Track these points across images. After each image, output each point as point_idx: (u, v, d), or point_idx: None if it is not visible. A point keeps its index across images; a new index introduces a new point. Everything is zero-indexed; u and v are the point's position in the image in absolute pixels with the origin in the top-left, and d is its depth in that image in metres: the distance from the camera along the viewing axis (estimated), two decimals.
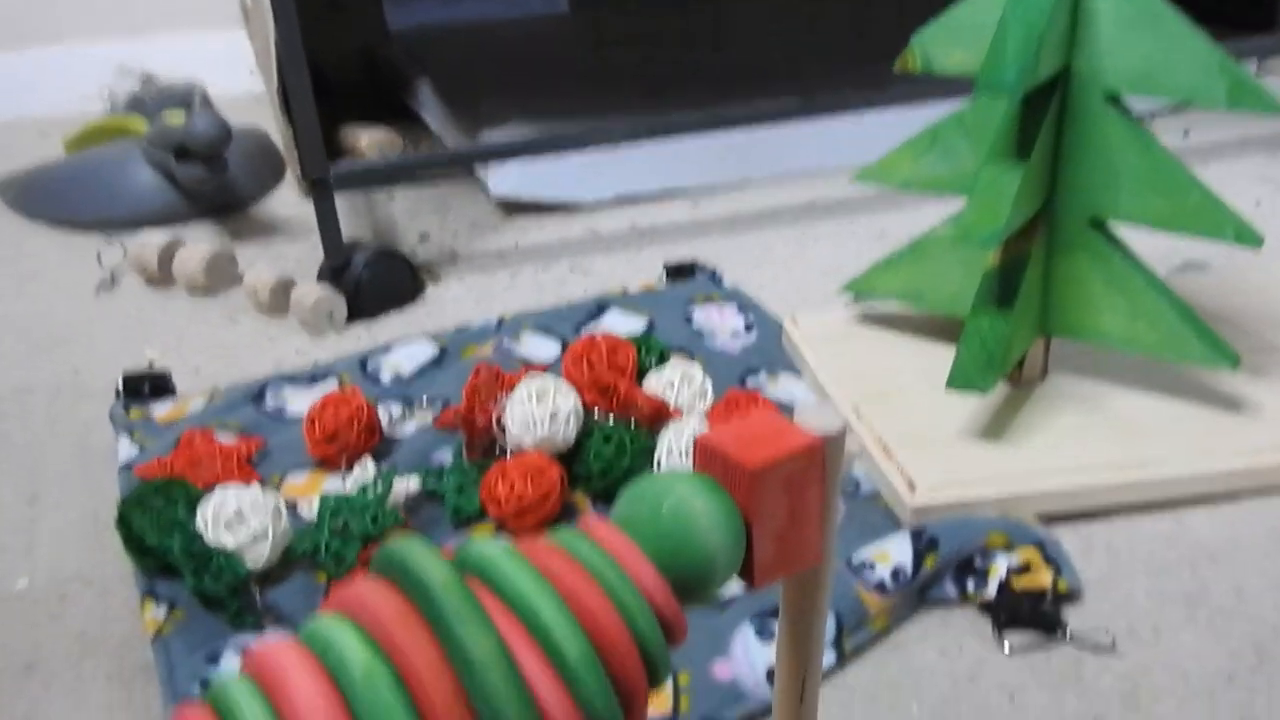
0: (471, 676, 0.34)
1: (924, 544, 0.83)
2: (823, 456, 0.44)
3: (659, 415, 0.94)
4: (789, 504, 0.43)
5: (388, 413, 1.02)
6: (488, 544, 0.39)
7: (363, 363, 1.11)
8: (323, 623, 0.36)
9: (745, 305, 1.18)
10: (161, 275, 1.33)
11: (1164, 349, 0.95)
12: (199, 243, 1.36)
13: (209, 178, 1.47)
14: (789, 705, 0.52)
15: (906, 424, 0.97)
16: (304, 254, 1.39)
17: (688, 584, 0.41)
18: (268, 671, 0.34)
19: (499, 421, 0.91)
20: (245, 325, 1.26)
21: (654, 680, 0.39)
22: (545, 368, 1.05)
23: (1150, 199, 0.91)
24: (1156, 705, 0.75)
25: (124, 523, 0.83)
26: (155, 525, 0.81)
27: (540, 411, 0.88)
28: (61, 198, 1.55)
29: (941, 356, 0.97)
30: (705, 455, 0.43)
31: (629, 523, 0.42)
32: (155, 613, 0.82)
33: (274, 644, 0.35)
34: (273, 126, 1.63)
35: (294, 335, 1.22)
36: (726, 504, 0.42)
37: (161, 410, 1.05)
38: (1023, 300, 0.93)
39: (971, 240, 0.88)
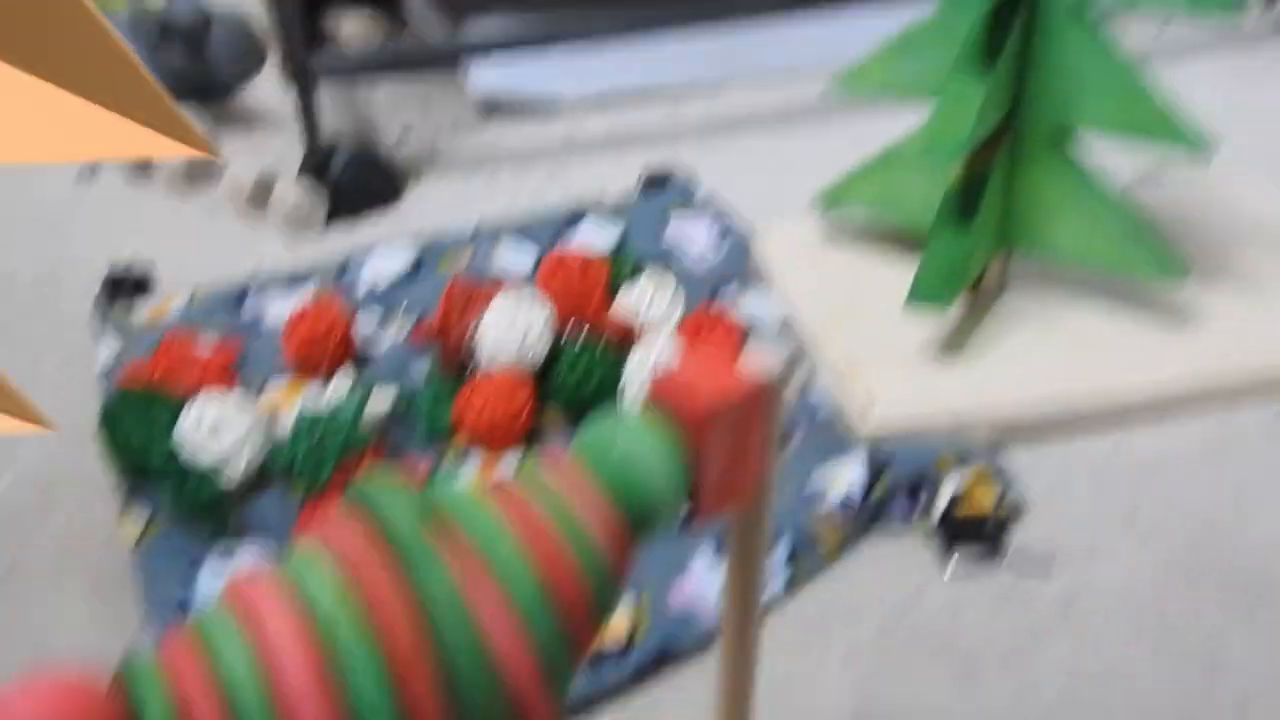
0: (433, 612, 0.38)
1: (878, 465, 0.87)
2: (767, 400, 0.46)
3: (627, 337, 0.96)
4: (732, 444, 0.46)
5: (370, 319, 1.04)
6: (453, 487, 0.43)
7: (341, 271, 1.13)
8: (298, 559, 0.39)
9: (719, 216, 1.19)
10: (141, 165, 1.33)
11: (1116, 263, 0.98)
12: None
13: (189, 63, 1.45)
14: (736, 630, 0.56)
15: (868, 341, 0.99)
16: (285, 146, 1.38)
17: (636, 519, 0.44)
18: (245, 605, 0.38)
19: (472, 337, 0.93)
20: (224, 223, 1.26)
21: (601, 617, 0.43)
22: (518, 282, 1.07)
23: (1109, 106, 0.92)
24: (1091, 619, 0.80)
25: (106, 428, 0.86)
26: (135, 440, 0.84)
27: (512, 333, 0.91)
28: None
29: (909, 271, 0.97)
30: (656, 397, 0.46)
31: (585, 456, 0.45)
32: (135, 522, 0.85)
33: (253, 578, 0.39)
34: (255, 9, 1.60)
35: (273, 232, 1.24)
36: (673, 448, 0.45)
37: (143, 309, 1.08)
38: (984, 214, 0.95)
39: (936, 152, 0.89)
